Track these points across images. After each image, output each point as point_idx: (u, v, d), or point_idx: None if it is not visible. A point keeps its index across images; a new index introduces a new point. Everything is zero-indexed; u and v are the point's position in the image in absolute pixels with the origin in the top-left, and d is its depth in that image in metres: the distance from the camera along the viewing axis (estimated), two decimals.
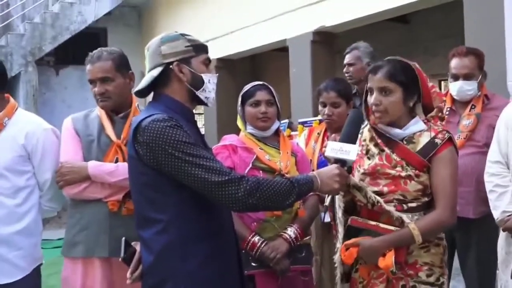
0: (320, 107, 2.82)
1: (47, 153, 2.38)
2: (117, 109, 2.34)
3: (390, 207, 1.94)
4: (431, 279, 1.97)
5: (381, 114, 1.98)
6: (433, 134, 1.98)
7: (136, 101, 2.40)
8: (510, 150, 2.36)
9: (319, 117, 2.97)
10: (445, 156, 1.95)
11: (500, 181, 2.36)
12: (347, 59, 3.47)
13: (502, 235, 2.43)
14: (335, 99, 2.72)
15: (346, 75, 3.49)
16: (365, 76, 2.06)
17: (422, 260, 1.98)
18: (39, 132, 2.41)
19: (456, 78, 2.81)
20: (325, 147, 1.88)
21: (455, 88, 2.81)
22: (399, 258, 1.92)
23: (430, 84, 2.11)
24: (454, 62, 2.82)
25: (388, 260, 1.90)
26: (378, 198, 1.95)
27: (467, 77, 2.77)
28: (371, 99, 2.00)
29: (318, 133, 2.90)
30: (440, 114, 2.12)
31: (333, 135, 2.72)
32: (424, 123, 2.03)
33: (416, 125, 2.01)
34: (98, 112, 2.38)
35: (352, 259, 1.97)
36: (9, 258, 2.32)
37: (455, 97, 2.86)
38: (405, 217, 1.94)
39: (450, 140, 1.98)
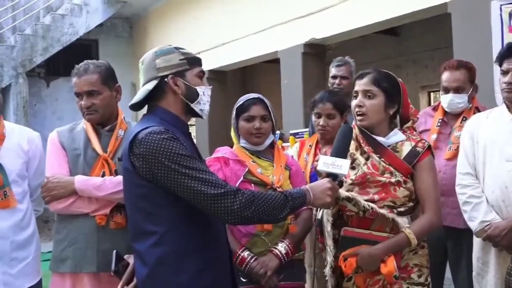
0: (314, 118, 2.84)
1: (42, 158, 2.47)
2: (103, 122, 2.32)
3: (383, 210, 2.02)
4: (422, 280, 2.08)
5: (362, 116, 2.09)
6: (413, 143, 2.11)
7: (122, 113, 2.39)
8: (477, 161, 2.40)
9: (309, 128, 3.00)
10: (426, 163, 2.09)
11: (474, 192, 2.37)
12: (341, 71, 3.50)
13: (477, 246, 2.44)
14: (331, 110, 2.75)
15: (336, 86, 3.50)
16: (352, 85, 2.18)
17: (412, 262, 2.08)
18: (35, 138, 2.57)
19: (446, 91, 2.85)
20: (317, 160, 1.90)
21: (446, 100, 2.85)
22: (396, 262, 1.99)
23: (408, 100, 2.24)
24: (445, 75, 2.86)
25: (390, 266, 1.96)
26: (370, 204, 2.02)
27: (457, 90, 2.81)
28: (355, 102, 2.11)
29: (310, 145, 2.92)
30: (413, 125, 2.24)
31: (324, 149, 2.74)
32: (401, 133, 2.16)
33: (397, 135, 2.14)
34: (84, 125, 2.35)
35: (352, 269, 2.01)
36: (31, 261, 2.47)
37: (446, 109, 2.90)
38: (399, 220, 2.01)
39: (430, 148, 2.13)
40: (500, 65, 2.37)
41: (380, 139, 2.11)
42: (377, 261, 1.99)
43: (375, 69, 2.15)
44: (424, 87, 7.96)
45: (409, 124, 2.19)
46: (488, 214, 2.30)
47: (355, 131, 2.15)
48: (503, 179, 2.27)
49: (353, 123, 2.21)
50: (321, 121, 2.77)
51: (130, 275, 1.81)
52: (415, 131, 2.25)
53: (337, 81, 3.52)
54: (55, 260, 2.29)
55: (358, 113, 2.10)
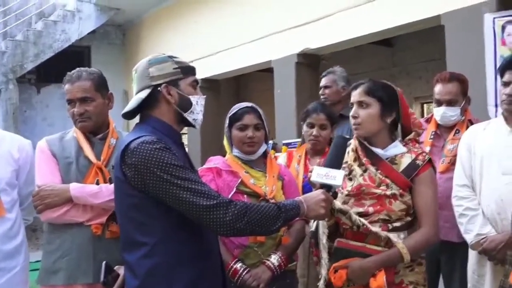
0: (306, 128, 2.86)
1: (33, 166, 2.40)
2: (95, 130, 2.30)
3: (376, 228, 1.98)
4: None
5: (358, 126, 2.08)
6: (413, 156, 2.08)
7: (113, 122, 2.37)
8: (473, 173, 2.40)
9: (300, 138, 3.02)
10: (426, 176, 2.05)
11: (470, 204, 2.37)
12: (324, 81, 3.60)
13: (472, 258, 2.43)
14: (324, 121, 2.80)
15: (321, 97, 3.62)
16: (346, 95, 2.19)
17: (407, 279, 2.03)
18: (26, 145, 2.50)
19: (439, 103, 2.85)
20: (311, 172, 1.88)
21: (438, 113, 2.85)
22: (388, 278, 1.95)
23: (411, 111, 2.22)
24: (437, 88, 2.86)
25: (379, 280, 1.93)
26: (363, 220, 1.99)
27: (450, 103, 2.81)
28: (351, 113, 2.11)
29: (299, 156, 2.93)
30: (417, 138, 2.20)
31: (318, 160, 2.74)
32: (403, 145, 2.13)
33: (396, 147, 2.11)
34: (74, 133, 2.32)
35: (342, 281, 1.98)
36: (19, 271, 2.40)
37: (438, 122, 2.90)
38: (392, 236, 1.98)
39: (430, 161, 2.09)
40: (502, 76, 2.36)
41: (378, 151, 2.09)
42: (368, 274, 1.96)
43: (370, 80, 2.14)
44: (417, 98, 8.00)
45: (411, 136, 2.15)
46: (484, 227, 2.29)
47: (355, 142, 2.14)
48: (499, 192, 2.26)
49: (354, 134, 2.19)
50: (314, 131, 2.81)
51: (120, 287, 1.78)
52: (418, 143, 2.21)
53: (321, 91, 3.62)
54: (46, 272, 2.23)
55: (354, 123, 2.10)
